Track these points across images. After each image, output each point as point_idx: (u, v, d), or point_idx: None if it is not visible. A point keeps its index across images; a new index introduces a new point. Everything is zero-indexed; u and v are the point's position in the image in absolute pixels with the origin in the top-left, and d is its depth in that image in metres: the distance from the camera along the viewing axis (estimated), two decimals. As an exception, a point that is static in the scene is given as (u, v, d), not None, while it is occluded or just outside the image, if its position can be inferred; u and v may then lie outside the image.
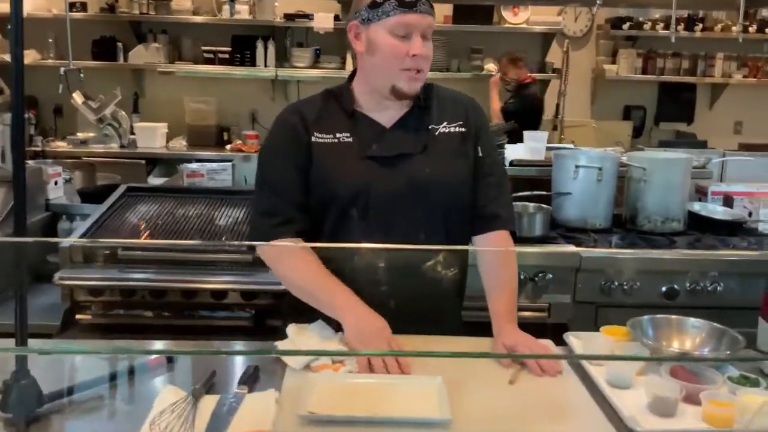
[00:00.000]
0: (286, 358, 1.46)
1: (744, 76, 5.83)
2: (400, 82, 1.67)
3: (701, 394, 1.34)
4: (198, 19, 5.55)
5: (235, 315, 2.52)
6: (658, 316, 1.66)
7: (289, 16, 5.49)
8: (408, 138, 1.71)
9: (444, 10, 5.65)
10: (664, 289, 2.56)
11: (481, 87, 5.86)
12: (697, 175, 3.21)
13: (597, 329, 2.09)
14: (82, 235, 2.60)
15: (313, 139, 1.70)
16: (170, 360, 1.56)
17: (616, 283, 2.55)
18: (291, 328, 1.58)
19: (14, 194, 1.18)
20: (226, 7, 5.44)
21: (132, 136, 5.49)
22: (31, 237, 2.93)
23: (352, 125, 1.71)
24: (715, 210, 3.08)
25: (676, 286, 2.56)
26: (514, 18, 5.64)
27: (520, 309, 2.52)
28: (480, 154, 1.76)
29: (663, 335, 1.63)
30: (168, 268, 2.50)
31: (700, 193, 3.31)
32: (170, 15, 5.54)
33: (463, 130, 1.76)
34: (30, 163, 3.52)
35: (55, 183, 3.22)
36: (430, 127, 1.74)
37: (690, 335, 1.63)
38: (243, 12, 5.42)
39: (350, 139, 1.70)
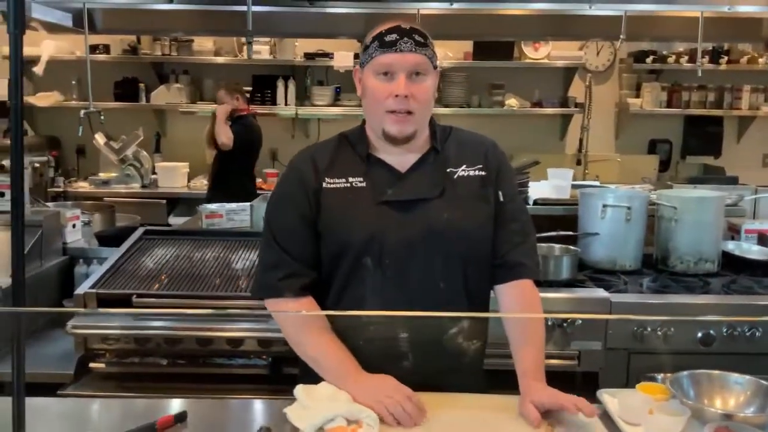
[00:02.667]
0: (295, 421, 1.38)
1: (772, 108, 5.71)
2: (387, 125, 1.61)
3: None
4: (219, 59, 5.59)
5: (251, 363, 2.45)
6: (698, 371, 1.55)
7: (309, 56, 5.50)
8: (424, 182, 1.64)
9: (464, 47, 5.64)
10: (699, 334, 2.44)
11: (502, 123, 5.82)
12: (729, 213, 3.10)
13: (630, 377, 1.97)
14: (98, 281, 2.55)
15: (324, 185, 1.63)
16: (181, 419, 1.49)
17: (649, 329, 2.43)
18: (299, 390, 1.49)
19: (11, 233, 1.11)
20: (246, 48, 5.47)
21: (154, 176, 5.51)
22: (47, 281, 2.92)
23: (365, 169, 1.65)
24: (750, 249, 2.97)
25: (712, 332, 2.44)
26: (535, 53, 5.59)
27: (548, 357, 2.42)
28: (501, 199, 1.68)
29: (704, 393, 1.52)
30: (183, 316, 2.45)
31: (733, 231, 3.19)
32: (192, 56, 5.59)
33: (483, 173, 1.68)
34: (49, 206, 3.51)
35: (73, 226, 3.20)
36: (448, 170, 1.67)
37: (734, 393, 1.52)
38: (263, 52, 5.45)
39: (363, 184, 1.63)
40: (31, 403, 1.70)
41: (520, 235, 1.69)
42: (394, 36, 1.59)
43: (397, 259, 1.60)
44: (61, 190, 5.22)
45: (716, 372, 1.56)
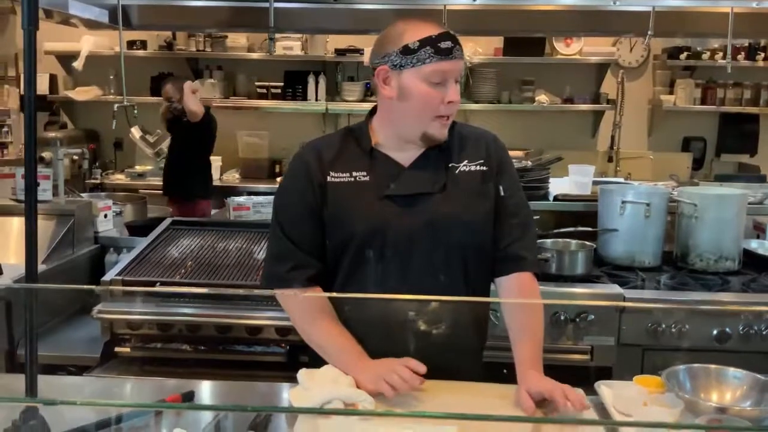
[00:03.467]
0: (296, 402, 1.43)
1: (810, 106, 5.58)
2: (432, 129, 1.64)
3: (735, 454, 1.24)
4: (252, 55, 5.68)
5: (269, 350, 2.52)
6: (696, 365, 1.56)
7: (340, 52, 5.56)
8: (426, 177, 1.68)
9: (495, 43, 5.63)
10: (715, 332, 2.43)
11: (533, 119, 5.80)
12: (754, 211, 3.07)
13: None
14: (125, 268, 2.65)
15: (329, 178, 1.68)
16: (189, 398, 1.56)
17: (663, 326, 2.43)
18: (301, 374, 1.55)
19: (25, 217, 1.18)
20: (279, 44, 5.55)
21: (187, 169, 5.62)
22: (79, 268, 3.04)
23: (369, 164, 1.69)
24: (774, 248, 2.93)
25: (728, 329, 2.43)
26: (567, 49, 5.56)
27: (561, 351, 2.46)
28: (502, 194, 1.71)
29: (701, 387, 1.53)
30: (204, 303, 2.53)
31: (759, 230, 3.15)
32: (225, 52, 5.69)
33: (485, 168, 1.71)
34: (84, 196, 3.64)
35: (105, 216, 3.31)
36: (450, 165, 1.70)
37: (731, 387, 1.52)
38: (295, 48, 5.52)
39: (367, 178, 1.67)
40: (55, 381, 1.81)
41: (520, 229, 1.72)
42: (449, 43, 1.60)
43: (399, 251, 1.64)
44: (98, 182, 5.38)
45: (713, 366, 1.56)
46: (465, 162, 1.71)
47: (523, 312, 1.67)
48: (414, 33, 1.61)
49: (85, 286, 2.84)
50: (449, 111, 1.63)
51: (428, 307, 1.64)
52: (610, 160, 5.68)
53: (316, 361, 1.67)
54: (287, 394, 1.52)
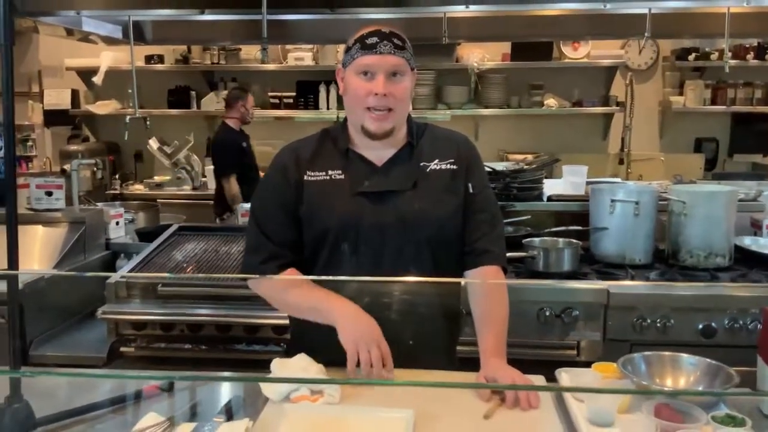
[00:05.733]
0: (265, 390, 1.52)
1: (823, 104, 5.54)
2: (366, 122, 1.74)
3: (675, 433, 1.30)
4: (265, 66, 5.82)
5: (267, 349, 2.61)
6: (651, 353, 1.61)
7: (350, 60, 5.66)
8: (398, 175, 1.77)
9: (502, 48, 5.70)
10: (700, 326, 2.46)
11: (543, 123, 5.85)
12: (748, 208, 3.08)
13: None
14: (129, 272, 2.76)
15: (306, 177, 1.78)
16: (170, 389, 1.65)
17: (649, 320, 2.47)
18: (274, 363, 1.64)
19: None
20: (290, 54, 5.68)
21: (204, 179, 5.78)
22: (90, 273, 3.16)
23: (345, 163, 1.79)
24: (767, 244, 2.94)
25: (713, 324, 2.46)
26: (574, 53, 5.60)
27: (548, 347, 2.51)
28: (471, 191, 1.79)
29: (656, 372, 1.58)
30: (204, 303, 2.63)
31: (756, 227, 3.16)
32: (239, 64, 5.85)
33: (455, 167, 1.79)
34: (98, 205, 3.78)
35: (117, 223, 3.44)
36: (421, 164, 1.79)
37: (684, 372, 1.57)
38: (306, 59, 5.66)
39: (342, 176, 1.77)
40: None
41: (487, 225, 1.80)
42: (374, 39, 1.72)
43: (372, 245, 1.73)
44: (117, 192, 5.55)
45: (668, 353, 1.62)
46: (436, 161, 1.80)
47: (488, 302, 1.75)
48: (355, 34, 1.75)
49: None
50: (379, 103, 1.71)
51: (399, 296, 1.73)
52: (621, 162, 5.69)
53: (310, 355, 1.76)
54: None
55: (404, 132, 1.82)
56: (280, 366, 1.60)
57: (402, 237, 1.73)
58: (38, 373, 1.23)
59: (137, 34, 3.99)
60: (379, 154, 1.80)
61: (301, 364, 1.61)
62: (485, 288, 1.75)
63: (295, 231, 1.78)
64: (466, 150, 1.83)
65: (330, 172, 1.78)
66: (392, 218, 1.73)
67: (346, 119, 1.86)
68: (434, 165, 1.79)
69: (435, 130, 1.87)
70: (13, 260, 1.29)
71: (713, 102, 5.61)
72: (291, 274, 1.77)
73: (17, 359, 1.31)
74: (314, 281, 1.73)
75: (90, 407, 1.46)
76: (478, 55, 5.53)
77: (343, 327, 1.64)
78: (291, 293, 1.79)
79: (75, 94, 6.03)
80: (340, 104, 5.82)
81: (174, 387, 1.62)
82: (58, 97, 5.96)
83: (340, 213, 1.74)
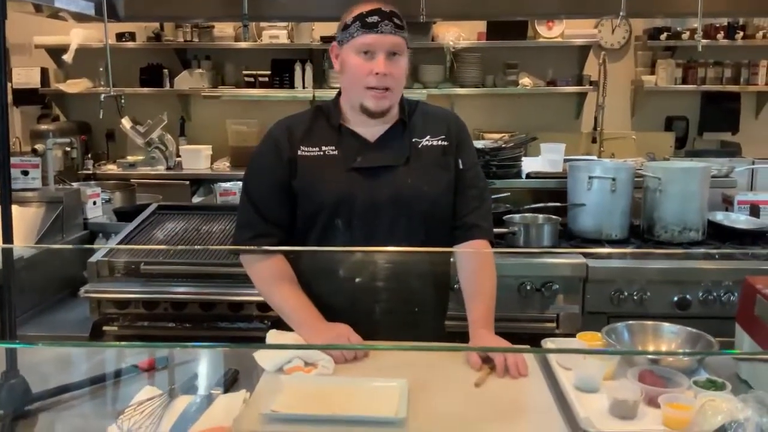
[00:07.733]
0: (260, 362, 1.55)
1: (791, 83, 5.67)
2: (366, 100, 1.75)
3: (660, 398, 1.35)
4: (239, 44, 5.75)
5: (252, 326, 2.62)
6: (634, 322, 1.67)
7: (326, 39, 5.63)
8: (391, 151, 1.79)
9: (478, 27, 5.71)
10: (675, 299, 2.54)
11: (517, 102, 5.89)
12: (719, 184, 3.16)
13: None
14: (110, 251, 2.75)
15: (299, 153, 1.79)
16: (163, 363, 1.66)
17: (626, 293, 2.54)
18: (270, 334, 1.66)
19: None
20: (265, 32, 5.63)
21: (178, 159, 5.73)
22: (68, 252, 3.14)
23: (338, 139, 1.80)
24: (738, 219, 3.03)
25: (688, 296, 2.54)
26: (549, 32, 5.64)
27: (528, 320, 2.57)
28: (461, 167, 1.82)
29: (638, 341, 1.64)
30: (188, 282, 2.63)
31: (727, 203, 3.25)
32: (213, 42, 5.77)
33: (445, 143, 1.82)
34: (74, 185, 3.74)
35: (94, 203, 3.42)
36: (413, 140, 1.81)
37: (666, 341, 1.64)
38: (281, 36, 5.61)
39: (335, 152, 1.79)
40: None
41: (477, 200, 1.84)
42: (375, 18, 1.72)
43: (365, 220, 1.76)
44: (90, 172, 5.47)
45: (651, 322, 1.68)
46: (427, 137, 1.83)
47: (477, 275, 1.80)
48: (353, 11, 1.75)
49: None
50: (379, 83, 1.73)
51: (390, 267, 1.76)
52: (594, 140, 5.76)
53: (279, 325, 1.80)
54: (255, 354, 1.63)
55: (396, 109, 1.84)
56: (275, 337, 1.63)
57: (395, 212, 1.76)
58: (34, 344, 1.23)
59: (110, 10, 3.93)
60: (371, 130, 1.82)
61: (296, 336, 1.63)
62: (474, 261, 1.79)
63: (286, 208, 1.80)
64: (457, 127, 1.86)
65: (323, 148, 1.80)
66: (385, 194, 1.76)
67: (338, 95, 1.87)
68: (426, 141, 1.82)
69: (426, 107, 1.90)
70: (7, 235, 1.28)
71: (684, 81, 5.70)
72: (279, 264, 1.79)
73: (13, 332, 1.32)
74: (307, 254, 1.76)
75: (85, 382, 1.47)
76: (454, 34, 5.54)
77: (313, 336, 1.68)
78: (275, 292, 1.82)
79: (44, 72, 5.90)
80: (317, 83, 5.81)
81: (168, 361, 1.64)
82: (26, 76, 5.83)
83: (334, 188, 1.76)
